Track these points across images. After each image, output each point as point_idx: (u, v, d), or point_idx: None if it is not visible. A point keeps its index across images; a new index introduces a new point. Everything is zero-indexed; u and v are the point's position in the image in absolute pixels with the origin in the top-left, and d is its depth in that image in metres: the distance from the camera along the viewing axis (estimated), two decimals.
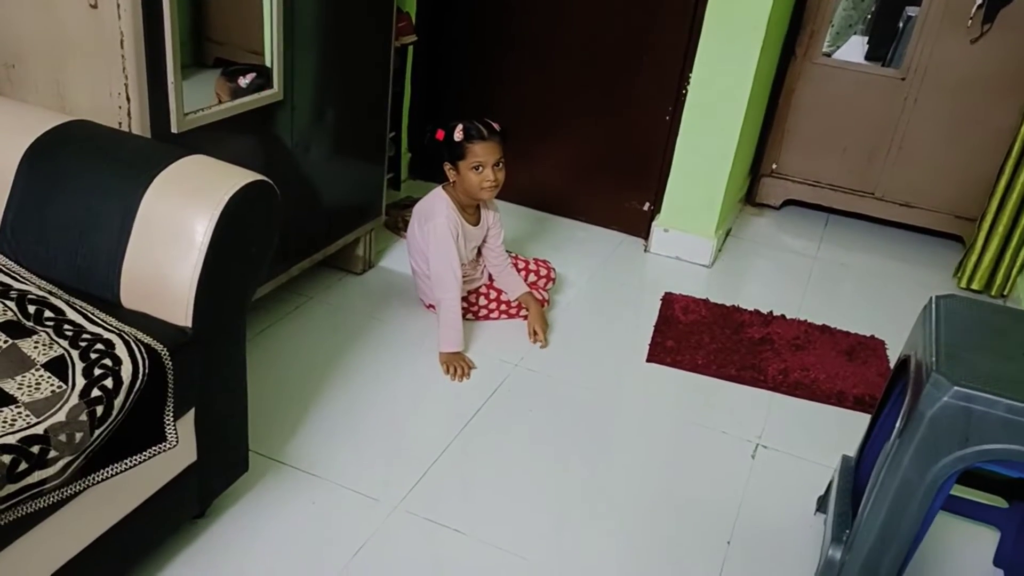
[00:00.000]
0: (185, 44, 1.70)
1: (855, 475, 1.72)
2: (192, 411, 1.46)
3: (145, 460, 1.32)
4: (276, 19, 1.92)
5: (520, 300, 2.48)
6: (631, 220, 3.18)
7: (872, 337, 2.62)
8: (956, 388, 1.29)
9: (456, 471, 1.91)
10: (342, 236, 2.48)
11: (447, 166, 2.30)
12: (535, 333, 2.40)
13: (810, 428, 2.21)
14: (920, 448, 1.35)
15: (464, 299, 2.36)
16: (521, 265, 2.59)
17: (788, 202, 3.63)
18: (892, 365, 2.47)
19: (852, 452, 1.83)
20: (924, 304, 1.60)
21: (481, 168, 2.24)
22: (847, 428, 2.19)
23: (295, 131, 2.13)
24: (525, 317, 2.46)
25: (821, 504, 1.89)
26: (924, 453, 1.35)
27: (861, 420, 2.20)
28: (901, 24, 3.56)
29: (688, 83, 2.84)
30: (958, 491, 1.77)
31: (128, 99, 1.61)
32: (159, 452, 1.34)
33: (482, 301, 2.49)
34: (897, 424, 1.43)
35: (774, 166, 3.55)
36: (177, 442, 1.38)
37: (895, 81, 3.26)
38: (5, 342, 1.26)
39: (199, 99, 1.82)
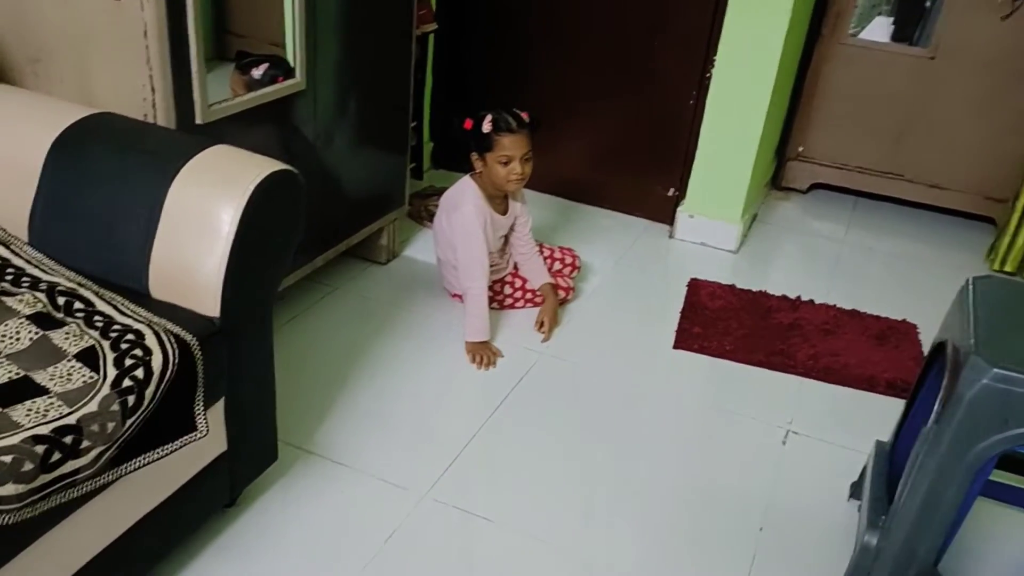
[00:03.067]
0: (208, 38, 1.69)
1: (890, 460, 1.70)
2: (221, 401, 1.46)
3: (176, 450, 1.32)
4: (298, 8, 1.92)
5: (540, 289, 2.46)
6: (655, 206, 3.15)
7: (903, 321, 2.58)
8: (995, 370, 1.26)
9: (484, 459, 1.90)
10: (366, 226, 2.48)
11: (474, 156, 2.28)
12: (541, 324, 2.38)
13: (841, 414, 2.18)
14: (959, 431, 1.32)
15: (489, 288, 2.35)
16: (546, 253, 2.57)
17: (815, 185, 3.58)
18: (924, 349, 2.44)
19: (885, 437, 1.81)
20: (957, 287, 1.57)
21: (509, 161, 2.22)
22: (879, 413, 2.16)
23: (318, 121, 2.12)
24: None
25: (855, 490, 1.86)
26: (963, 437, 1.32)
27: (893, 405, 2.17)
28: (928, 3, 3.49)
29: (713, 66, 2.80)
30: (997, 476, 1.74)
31: (153, 90, 1.61)
32: (190, 442, 1.35)
33: (507, 290, 2.48)
34: (935, 408, 1.40)
35: (800, 149, 3.50)
36: (207, 432, 1.38)
37: (924, 60, 3.20)
38: (36, 333, 1.27)
39: (221, 92, 1.82)
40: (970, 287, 1.52)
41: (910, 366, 2.35)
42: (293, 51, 1.96)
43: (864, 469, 1.82)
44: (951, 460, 1.34)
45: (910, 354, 2.42)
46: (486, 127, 2.22)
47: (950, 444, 1.34)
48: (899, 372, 2.32)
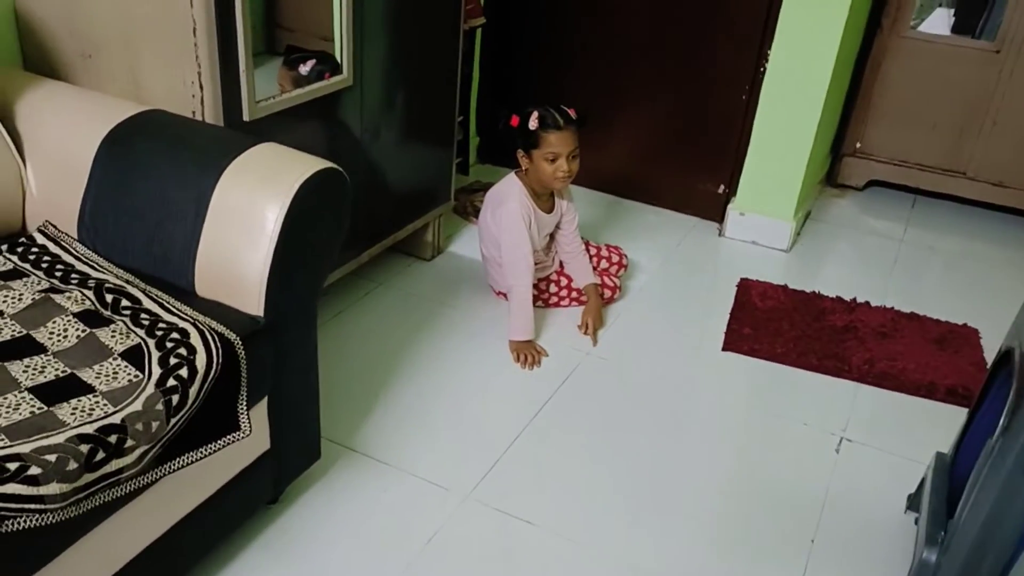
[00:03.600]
0: (257, 32, 1.69)
1: (951, 473, 1.63)
2: (265, 400, 1.46)
3: (219, 449, 1.32)
4: (346, 5, 1.90)
5: (584, 290, 2.42)
6: (705, 203, 3.09)
7: (965, 325, 2.49)
8: None
9: (527, 461, 1.87)
10: (411, 221, 2.47)
11: (520, 153, 2.25)
12: (586, 325, 2.34)
13: (898, 421, 2.11)
14: None
15: (534, 286, 2.32)
16: (593, 251, 2.53)
17: (872, 183, 3.48)
18: (987, 355, 2.35)
19: (945, 448, 1.73)
20: (1022, 290, 1.49)
21: (556, 158, 2.19)
22: (938, 422, 2.08)
23: (364, 116, 2.11)
24: None
25: (912, 502, 1.79)
26: None
27: (954, 413, 2.09)
28: None
29: (767, 60, 2.72)
30: None
31: (201, 87, 1.61)
32: (233, 441, 1.34)
33: (552, 288, 2.44)
34: (1001, 420, 1.34)
35: (858, 145, 3.39)
36: (251, 431, 1.38)
37: (989, 54, 3.08)
38: (83, 331, 1.28)
39: (270, 87, 1.82)
40: None
41: (971, 372, 2.26)
42: (341, 48, 1.95)
43: (923, 481, 1.75)
44: (1018, 476, 1.28)
45: (971, 360, 2.33)
46: (532, 124, 2.18)
47: (1017, 460, 1.27)
48: (960, 379, 2.23)
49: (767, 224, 2.92)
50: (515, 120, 2.22)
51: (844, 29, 2.59)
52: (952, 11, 3.71)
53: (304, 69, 1.95)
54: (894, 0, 3.12)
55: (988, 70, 3.09)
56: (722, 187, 3.04)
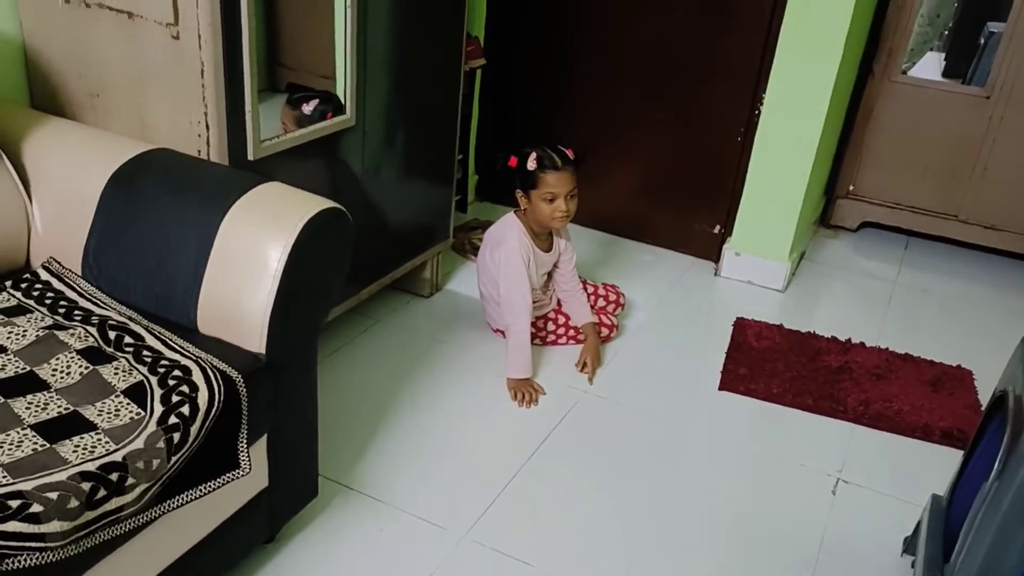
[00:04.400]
0: (259, 71, 1.72)
1: (947, 516, 1.63)
2: (264, 437, 1.47)
3: (219, 487, 1.32)
4: (349, 46, 1.94)
5: (582, 328, 2.44)
6: (701, 243, 3.12)
7: (959, 367, 2.50)
8: None
9: (524, 500, 1.87)
10: (410, 259, 2.49)
11: (519, 193, 2.28)
12: (584, 364, 2.35)
13: (894, 463, 2.11)
14: (1022, 491, 1.26)
15: (532, 324, 2.33)
16: (590, 290, 2.55)
17: (865, 224, 3.52)
18: (981, 396, 2.36)
19: (941, 490, 1.74)
20: (1016, 333, 1.52)
21: (554, 199, 2.22)
22: (934, 464, 2.09)
23: (366, 155, 2.14)
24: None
25: (909, 545, 1.79)
26: None
27: (949, 455, 2.10)
28: (982, 40, 3.43)
29: (762, 103, 2.77)
30: None
31: (207, 127, 1.64)
32: (233, 479, 1.35)
33: (550, 326, 2.46)
34: (995, 465, 1.35)
35: (851, 187, 3.44)
36: (250, 469, 1.38)
37: (979, 99, 3.13)
38: (86, 368, 1.29)
39: (272, 124, 1.84)
40: None
41: (966, 415, 2.28)
42: (344, 88, 1.99)
43: (919, 523, 1.75)
44: (1013, 520, 1.28)
45: (966, 402, 2.34)
46: (531, 165, 2.21)
47: (1012, 503, 1.28)
48: (955, 421, 2.24)
49: (762, 264, 2.95)
50: (513, 161, 2.25)
51: (837, 74, 2.64)
52: (943, 55, 3.79)
53: (307, 109, 1.98)
54: (885, 46, 3.18)
55: (979, 116, 3.14)
56: (718, 227, 3.07)
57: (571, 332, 2.46)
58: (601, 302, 2.55)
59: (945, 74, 3.69)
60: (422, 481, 1.89)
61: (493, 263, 2.33)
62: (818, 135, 2.73)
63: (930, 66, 3.68)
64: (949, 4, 3.70)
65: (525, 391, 2.21)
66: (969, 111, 3.16)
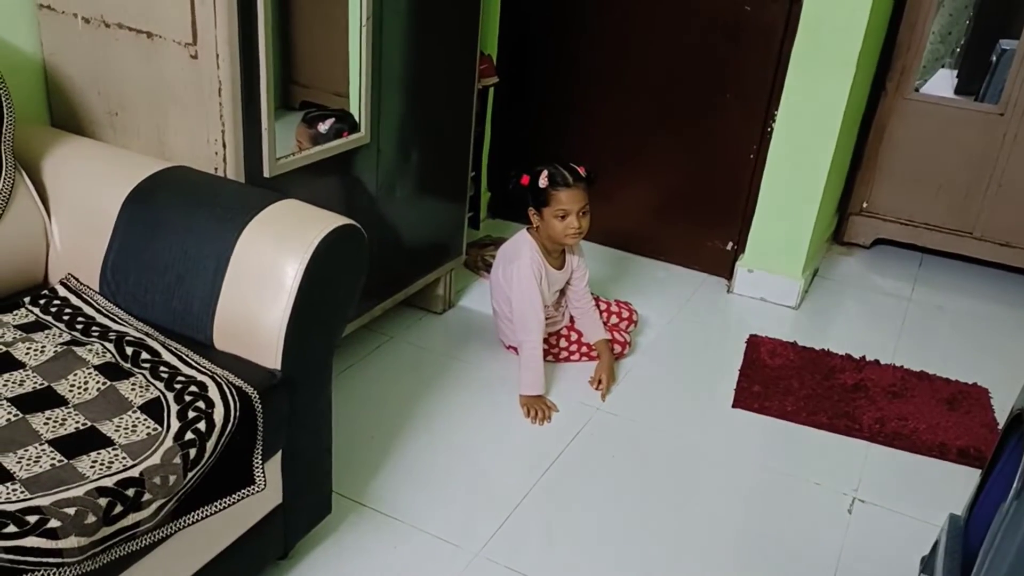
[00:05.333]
0: (275, 88, 1.74)
1: (965, 536, 1.61)
2: (279, 453, 1.47)
3: (234, 503, 1.32)
4: (364, 65, 1.96)
5: (595, 346, 2.44)
6: (714, 260, 3.11)
7: (975, 385, 2.48)
8: None
9: (538, 517, 1.87)
10: (423, 276, 2.49)
11: (531, 211, 2.29)
12: (599, 381, 2.35)
13: (911, 482, 2.10)
14: None
15: (545, 341, 2.33)
16: (603, 307, 2.55)
17: (878, 241, 3.50)
18: (997, 414, 2.34)
19: (958, 509, 1.72)
20: None
21: (566, 216, 2.22)
22: (951, 483, 2.07)
23: (380, 173, 2.15)
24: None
25: (926, 565, 1.77)
26: None
27: (966, 474, 2.08)
28: (994, 57, 3.43)
29: (774, 120, 2.78)
30: None
31: (224, 145, 1.65)
32: (248, 495, 1.35)
33: (563, 343, 2.46)
34: (1015, 484, 1.33)
35: (864, 204, 3.43)
36: (265, 485, 1.38)
37: (993, 116, 3.13)
38: (103, 384, 1.30)
39: (286, 142, 1.86)
40: None
41: (983, 433, 2.26)
42: (358, 107, 2.00)
43: (936, 543, 1.73)
44: None
45: (982, 421, 2.32)
46: (543, 182, 2.22)
47: None
48: (972, 439, 2.22)
49: (776, 281, 2.94)
50: (525, 179, 2.26)
51: (850, 92, 2.64)
52: (955, 72, 3.79)
53: (323, 127, 2.00)
54: (898, 64, 3.18)
55: (992, 133, 3.14)
56: (731, 244, 3.07)
57: (584, 349, 2.46)
58: (614, 319, 2.55)
59: (957, 91, 3.69)
60: (436, 499, 1.88)
61: (506, 280, 2.33)
62: (831, 152, 2.73)
63: (942, 83, 3.68)
64: (961, 22, 3.70)
65: (538, 408, 2.21)
66: (982, 128, 3.15)
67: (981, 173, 3.20)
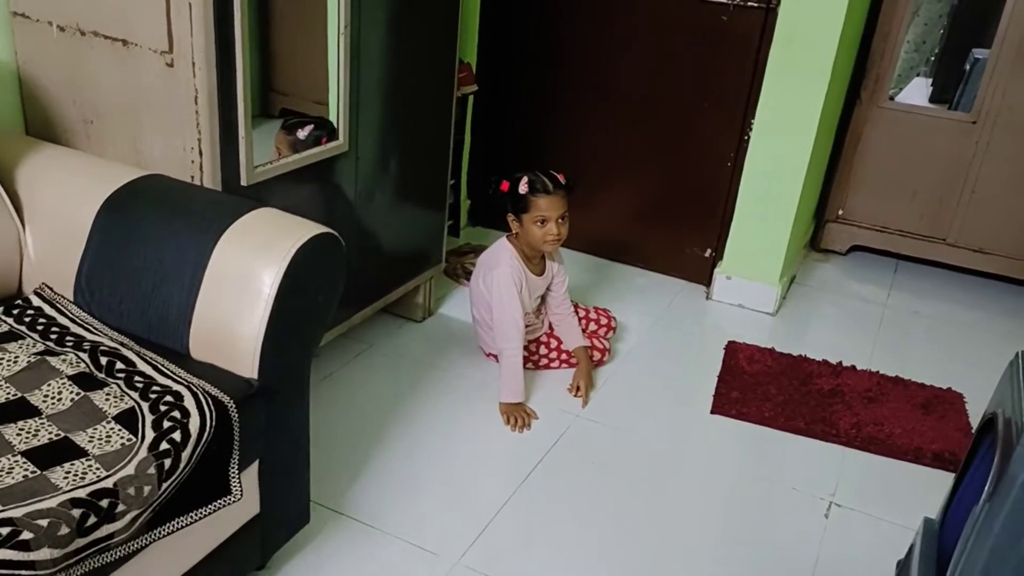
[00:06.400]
0: (253, 96, 1.74)
1: (939, 539, 1.63)
2: (256, 463, 1.46)
3: (210, 514, 1.32)
4: (343, 73, 1.96)
5: (574, 352, 2.44)
6: (692, 267, 3.13)
7: (949, 390, 2.51)
8: None
9: (517, 525, 1.87)
10: (403, 283, 2.49)
11: (510, 217, 2.30)
12: (577, 388, 2.35)
13: (887, 486, 2.11)
14: (1012, 514, 1.27)
15: (524, 348, 2.34)
16: (582, 314, 2.56)
17: (854, 248, 3.54)
18: (971, 419, 2.37)
19: (933, 513, 1.74)
20: (1005, 356, 1.52)
21: (545, 222, 2.23)
22: (926, 487, 2.09)
23: (359, 181, 2.15)
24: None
25: (902, 568, 1.79)
26: (1017, 519, 1.26)
27: (941, 478, 2.11)
28: (968, 66, 3.48)
29: (751, 128, 2.80)
30: None
31: (200, 153, 1.65)
32: (223, 506, 1.34)
33: (542, 351, 2.46)
34: (986, 487, 1.35)
35: (840, 211, 3.47)
36: (241, 495, 1.37)
37: (965, 125, 3.17)
38: (78, 394, 1.29)
39: (265, 149, 1.86)
40: (1020, 360, 1.48)
41: (958, 437, 2.28)
42: (337, 114, 2.00)
43: (911, 547, 1.75)
44: (1004, 544, 1.29)
45: (957, 425, 2.35)
46: (522, 188, 2.23)
47: (1003, 527, 1.28)
48: (946, 443, 2.25)
49: (753, 288, 2.96)
50: (505, 185, 2.27)
51: (825, 100, 2.68)
52: (930, 81, 3.84)
53: (302, 134, 2.00)
54: (872, 73, 3.22)
55: (965, 140, 3.18)
56: (709, 251, 3.09)
57: (563, 356, 2.46)
58: (593, 326, 2.56)
59: (932, 99, 3.74)
60: (414, 507, 1.88)
61: (486, 287, 2.33)
62: (807, 160, 2.76)
63: (917, 92, 3.73)
64: (935, 31, 3.75)
65: (518, 415, 2.21)
66: (956, 136, 3.20)
67: (955, 180, 3.24)
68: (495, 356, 2.39)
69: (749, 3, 2.72)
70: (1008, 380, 1.48)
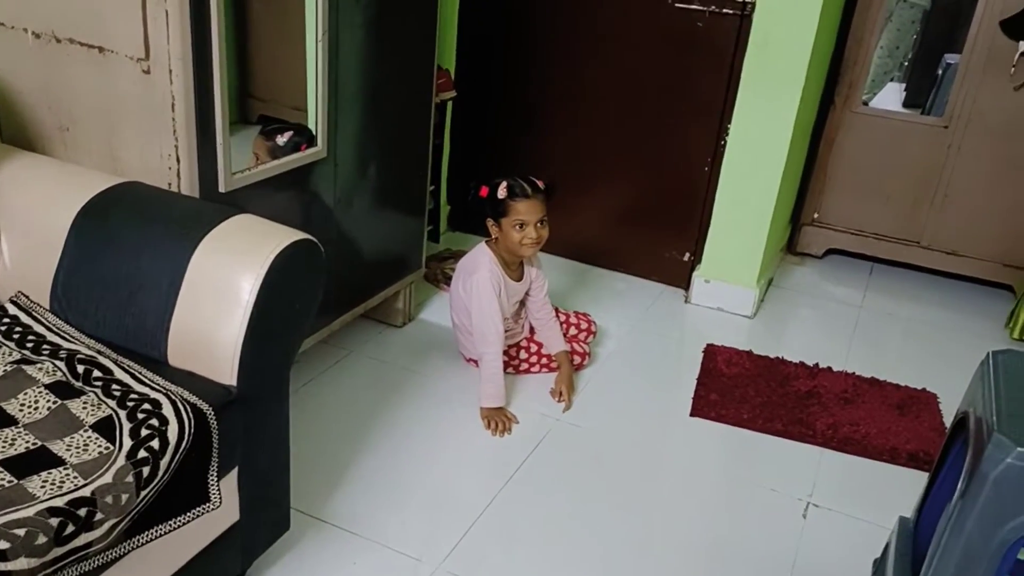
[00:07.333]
0: (231, 102, 1.73)
1: (914, 537, 1.66)
2: (235, 470, 1.45)
3: (189, 522, 1.31)
4: (321, 79, 1.96)
5: (555, 357, 2.46)
6: (671, 271, 3.16)
7: (923, 390, 2.55)
8: (1020, 449, 1.23)
9: (498, 529, 1.87)
10: (383, 289, 2.49)
11: (490, 222, 2.31)
12: (560, 393, 2.37)
13: (863, 486, 2.14)
14: (984, 511, 1.29)
15: (504, 352, 2.35)
16: (562, 318, 2.57)
17: (830, 251, 3.58)
18: (945, 419, 2.41)
19: (908, 512, 1.76)
20: (977, 356, 1.55)
21: (523, 226, 2.25)
22: (901, 486, 2.12)
23: (338, 187, 2.15)
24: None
25: (878, 567, 1.81)
26: (989, 516, 1.29)
27: (916, 478, 2.13)
28: (940, 71, 3.54)
29: (727, 133, 2.83)
30: None
31: (178, 160, 1.64)
32: (203, 513, 1.34)
33: (523, 355, 2.47)
34: (959, 485, 1.37)
35: (816, 215, 3.51)
36: (220, 503, 1.37)
37: (937, 129, 3.22)
38: (54, 403, 1.28)
39: (243, 156, 1.85)
40: (990, 361, 1.50)
41: (932, 437, 2.32)
42: (316, 121, 2.00)
43: (887, 545, 1.78)
44: (977, 540, 1.31)
45: (931, 425, 2.38)
46: (501, 193, 2.25)
47: (976, 524, 1.30)
48: (921, 443, 2.28)
49: (731, 291, 2.99)
50: (484, 191, 2.29)
51: (799, 106, 2.71)
52: (903, 86, 3.90)
53: (281, 140, 1.99)
54: (846, 79, 3.27)
55: (938, 144, 3.23)
56: (687, 255, 3.11)
57: (543, 360, 2.47)
58: (572, 330, 2.57)
59: (905, 104, 3.80)
60: (396, 512, 1.88)
61: (466, 293, 2.34)
62: (782, 165, 2.79)
63: (891, 96, 3.79)
64: (908, 37, 3.81)
65: (498, 420, 2.21)
66: (928, 140, 3.25)
67: (927, 184, 3.29)
68: (475, 361, 2.40)
69: (724, 10, 2.75)
70: (979, 380, 1.51)
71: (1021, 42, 2.96)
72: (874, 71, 3.50)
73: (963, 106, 3.15)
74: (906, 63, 3.89)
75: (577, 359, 2.50)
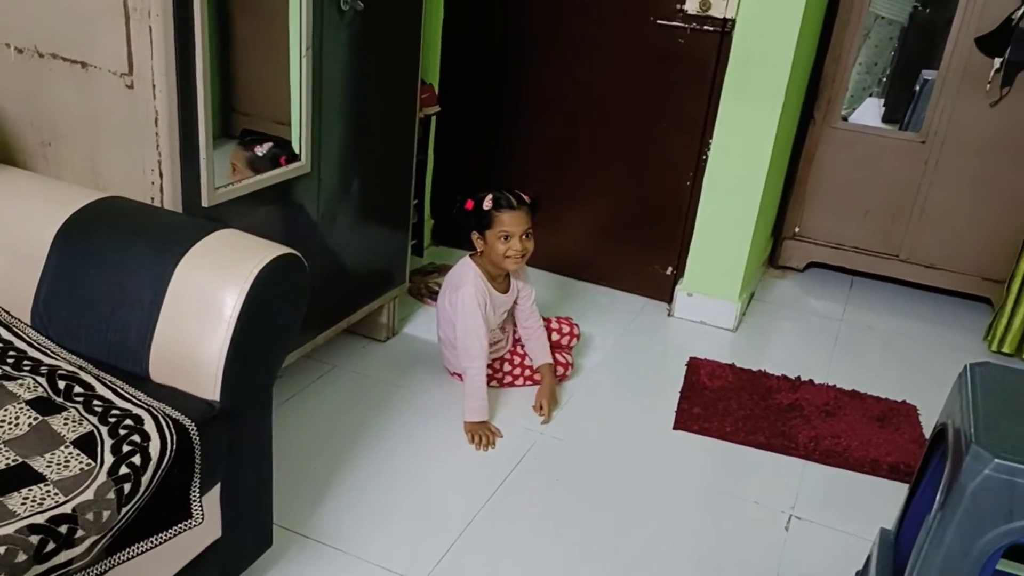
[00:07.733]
0: (214, 116, 1.74)
1: (895, 549, 1.67)
2: (218, 486, 1.45)
3: (170, 538, 1.30)
4: (304, 93, 1.97)
5: (539, 370, 2.46)
6: (654, 284, 3.17)
7: (904, 402, 2.57)
8: (997, 461, 1.25)
9: (483, 543, 1.87)
10: (366, 303, 2.49)
11: (475, 235, 2.32)
12: (540, 407, 2.37)
13: (844, 498, 2.16)
14: (963, 522, 1.30)
15: (488, 366, 2.35)
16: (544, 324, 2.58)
17: (811, 264, 3.62)
18: (925, 431, 2.43)
19: (889, 524, 1.78)
20: (956, 368, 1.57)
21: (508, 238, 2.26)
22: (883, 498, 2.14)
23: (321, 201, 2.15)
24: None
25: None
26: (968, 527, 1.30)
27: (897, 489, 2.15)
28: (918, 87, 3.59)
29: (709, 148, 2.86)
30: (1004, 565, 1.71)
31: (161, 175, 1.64)
32: (185, 530, 1.33)
33: (506, 367, 2.47)
34: (938, 496, 1.39)
35: (796, 229, 3.54)
36: (203, 519, 1.36)
37: (915, 144, 3.27)
38: (35, 419, 1.27)
39: (226, 170, 1.85)
40: (968, 373, 1.52)
41: (912, 449, 2.34)
42: (299, 136, 2.00)
43: (869, 557, 1.79)
44: (956, 551, 1.32)
45: (911, 436, 2.41)
46: (487, 204, 2.26)
47: (955, 535, 1.32)
48: (901, 455, 2.30)
49: (714, 304, 3.01)
50: (470, 204, 2.30)
51: (779, 122, 2.74)
52: (882, 101, 3.95)
53: (260, 151, 1.99)
54: (825, 95, 3.31)
55: (915, 159, 3.27)
56: (670, 269, 3.13)
57: (527, 373, 2.48)
58: (555, 336, 2.58)
59: (884, 119, 3.85)
60: (380, 528, 1.87)
61: (452, 307, 2.34)
62: (763, 180, 2.82)
63: (870, 112, 3.84)
64: (886, 53, 3.87)
65: (482, 434, 2.21)
66: (906, 155, 3.29)
67: (905, 198, 3.33)
68: (460, 375, 2.40)
69: (705, 27, 2.79)
70: (957, 391, 1.52)
71: (996, 59, 3.01)
72: (853, 87, 3.55)
73: (940, 122, 3.20)
74: (884, 79, 3.95)
75: (560, 370, 2.51)
